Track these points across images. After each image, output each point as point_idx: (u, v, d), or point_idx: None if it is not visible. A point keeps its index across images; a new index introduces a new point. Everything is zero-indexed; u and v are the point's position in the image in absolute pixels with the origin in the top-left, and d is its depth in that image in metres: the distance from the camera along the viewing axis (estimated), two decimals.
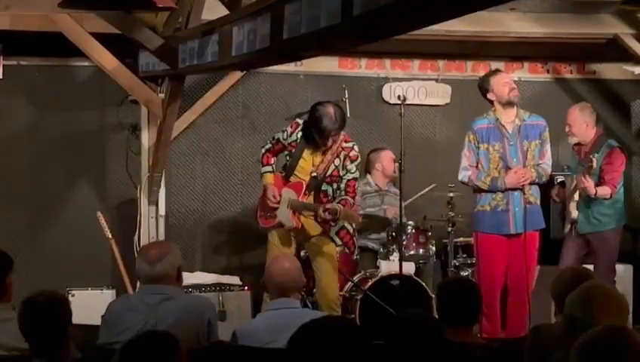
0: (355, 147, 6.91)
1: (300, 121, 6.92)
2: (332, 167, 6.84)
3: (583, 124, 7.44)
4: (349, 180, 6.87)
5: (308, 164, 6.87)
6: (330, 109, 6.64)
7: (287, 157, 6.93)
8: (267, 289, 4.96)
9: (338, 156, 6.84)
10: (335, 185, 6.87)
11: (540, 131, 7.24)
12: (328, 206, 6.67)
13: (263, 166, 6.99)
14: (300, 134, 6.86)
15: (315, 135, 6.72)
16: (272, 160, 6.99)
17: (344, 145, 6.86)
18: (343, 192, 6.83)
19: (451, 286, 4.78)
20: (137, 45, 6.93)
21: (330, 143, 6.73)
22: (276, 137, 6.96)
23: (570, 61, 9.14)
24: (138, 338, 3.22)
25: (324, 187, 6.88)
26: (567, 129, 7.47)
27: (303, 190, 6.85)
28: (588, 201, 7.32)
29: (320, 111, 6.65)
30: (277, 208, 6.86)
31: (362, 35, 3.91)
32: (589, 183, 7.15)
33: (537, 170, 7.18)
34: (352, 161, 6.87)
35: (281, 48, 4.41)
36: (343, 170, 6.85)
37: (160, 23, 6.67)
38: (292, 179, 6.91)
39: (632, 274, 8.37)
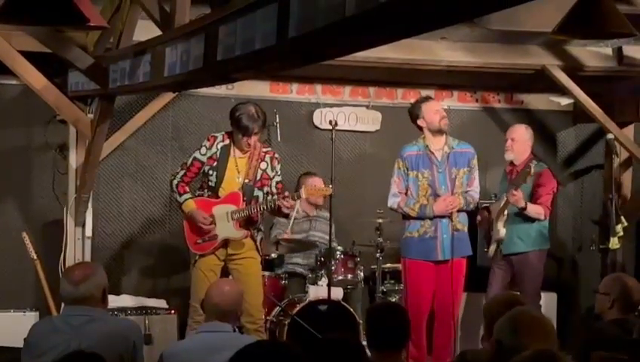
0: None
1: (217, 134, 6.94)
2: (259, 171, 6.87)
3: (525, 142, 7.57)
4: (277, 182, 6.96)
5: (233, 173, 6.86)
6: (251, 107, 6.74)
7: (210, 172, 6.88)
8: (204, 310, 4.92)
9: (263, 160, 6.88)
10: (265, 189, 6.91)
11: (469, 158, 7.33)
12: (286, 194, 6.74)
13: (181, 195, 6.89)
14: (220, 145, 6.87)
15: (239, 135, 6.75)
16: (187, 188, 6.95)
17: (264, 149, 6.96)
18: (275, 196, 6.85)
19: (380, 311, 4.81)
20: (67, 64, 6.84)
21: (252, 143, 6.76)
22: (193, 157, 6.92)
23: (498, 91, 9.27)
24: (66, 359, 3.16)
25: (255, 193, 6.89)
26: (508, 143, 7.57)
27: (241, 198, 6.83)
28: (514, 222, 7.41)
29: (240, 111, 6.72)
30: (212, 229, 6.81)
31: (297, 58, 3.92)
32: (519, 194, 7.24)
33: (465, 197, 7.26)
34: (278, 162, 6.99)
35: (214, 69, 4.40)
36: (272, 171, 6.91)
37: (91, 42, 6.60)
38: (221, 192, 6.87)
39: (556, 301, 8.48)
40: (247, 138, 6.73)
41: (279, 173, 6.99)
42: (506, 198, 7.33)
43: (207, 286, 5.11)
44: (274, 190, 6.90)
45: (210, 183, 6.89)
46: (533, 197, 7.45)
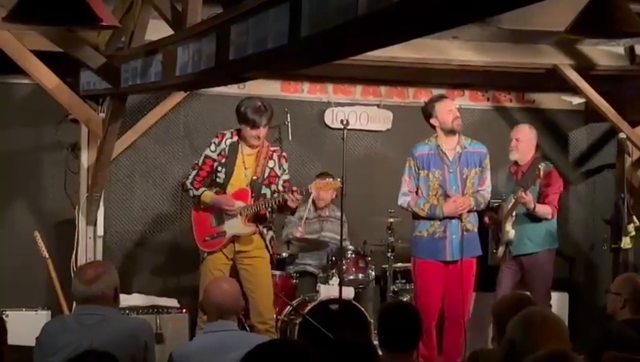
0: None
1: (226, 132, 6.97)
2: (267, 169, 6.90)
3: (530, 142, 7.56)
4: (285, 180, 6.97)
5: (241, 169, 6.88)
6: (256, 100, 6.80)
7: (219, 168, 6.89)
8: (204, 311, 4.91)
9: (271, 158, 6.92)
10: (273, 187, 6.93)
11: (481, 158, 7.30)
12: (294, 188, 6.73)
13: (197, 189, 6.92)
14: (228, 142, 6.90)
15: (247, 128, 6.77)
16: (201, 185, 6.95)
17: (272, 148, 6.99)
18: (281, 194, 6.86)
19: (391, 310, 4.79)
20: (79, 64, 6.86)
21: (262, 135, 6.78)
22: (204, 155, 6.95)
23: (510, 90, 9.26)
24: (77, 358, 3.17)
25: (262, 190, 6.90)
26: (513, 143, 7.56)
27: (250, 195, 6.84)
28: (523, 222, 7.40)
29: (245, 105, 6.79)
30: (234, 215, 6.82)
31: (309, 57, 3.92)
32: (529, 197, 7.24)
33: (476, 197, 7.23)
34: (286, 161, 7.02)
35: (226, 69, 4.40)
36: (279, 169, 6.94)
37: (102, 42, 6.61)
38: (229, 189, 6.89)
39: (567, 301, 8.46)
40: (256, 131, 6.74)
41: (287, 171, 7.01)
42: (514, 200, 7.32)
43: (206, 286, 5.09)
44: (280, 188, 6.91)
45: (218, 180, 6.92)
46: (540, 197, 7.44)
